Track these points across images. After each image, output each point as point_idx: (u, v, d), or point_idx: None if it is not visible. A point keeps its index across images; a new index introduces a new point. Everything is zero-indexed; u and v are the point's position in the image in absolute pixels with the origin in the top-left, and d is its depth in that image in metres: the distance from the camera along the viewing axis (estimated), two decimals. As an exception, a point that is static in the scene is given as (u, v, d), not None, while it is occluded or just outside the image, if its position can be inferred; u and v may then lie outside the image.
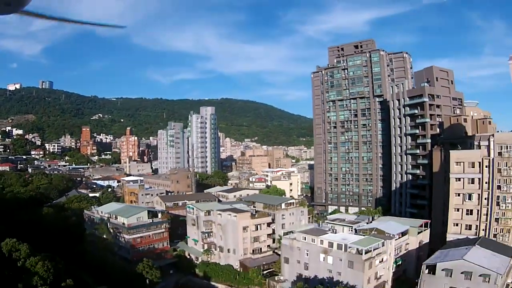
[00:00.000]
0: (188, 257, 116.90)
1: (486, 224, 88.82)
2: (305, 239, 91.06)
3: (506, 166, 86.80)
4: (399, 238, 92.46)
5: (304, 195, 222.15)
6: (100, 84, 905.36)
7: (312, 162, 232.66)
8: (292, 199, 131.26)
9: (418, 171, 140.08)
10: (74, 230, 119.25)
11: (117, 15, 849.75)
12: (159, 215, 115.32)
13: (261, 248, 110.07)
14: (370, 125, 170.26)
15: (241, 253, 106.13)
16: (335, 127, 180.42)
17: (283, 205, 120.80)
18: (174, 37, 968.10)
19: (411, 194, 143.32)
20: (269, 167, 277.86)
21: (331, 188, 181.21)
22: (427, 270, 73.64)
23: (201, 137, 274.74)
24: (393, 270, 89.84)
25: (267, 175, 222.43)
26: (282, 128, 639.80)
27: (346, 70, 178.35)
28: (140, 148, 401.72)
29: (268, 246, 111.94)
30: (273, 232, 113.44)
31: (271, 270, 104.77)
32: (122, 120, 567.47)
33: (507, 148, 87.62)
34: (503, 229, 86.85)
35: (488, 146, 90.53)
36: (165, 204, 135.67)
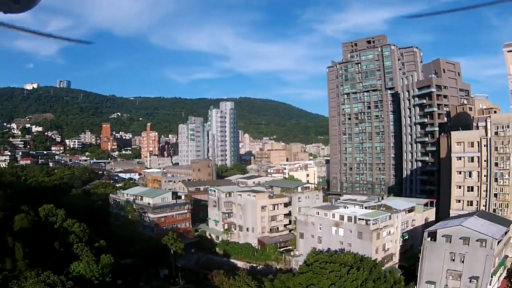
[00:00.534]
0: (209, 237, 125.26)
1: (486, 200, 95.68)
2: (318, 214, 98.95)
3: (502, 144, 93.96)
4: (405, 214, 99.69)
5: (321, 187, 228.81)
6: (118, 83, 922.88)
7: (329, 158, 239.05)
8: (308, 184, 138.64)
9: (427, 158, 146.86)
10: (99, 214, 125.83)
11: (135, 15, 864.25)
12: (182, 196, 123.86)
13: (278, 227, 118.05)
14: (382, 116, 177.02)
15: (259, 231, 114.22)
16: (349, 118, 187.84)
17: (299, 189, 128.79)
18: (191, 37, 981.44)
19: (420, 180, 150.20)
20: (287, 161, 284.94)
21: (346, 178, 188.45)
22: (429, 237, 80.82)
23: (221, 131, 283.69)
24: (400, 244, 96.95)
25: (284, 168, 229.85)
26: (300, 127, 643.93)
27: (359, 64, 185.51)
28: (160, 144, 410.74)
29: (285, 225, 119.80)
30: (290, 214, 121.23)
31: (287, 247, 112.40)
32: (140, 119, 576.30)
33: (503, 128, 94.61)
34: (501, 204, 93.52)
35: (486, 127, 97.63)
36: (188, 189, 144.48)
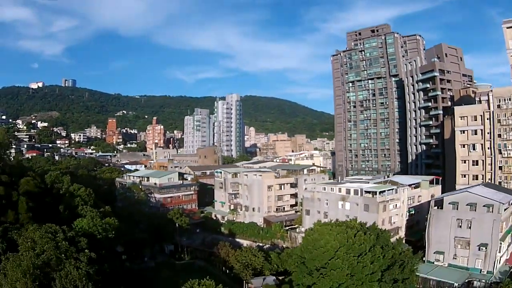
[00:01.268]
0: (215, 218, 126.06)
1: (491, 173, 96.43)
2: (324, 189, 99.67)
3: (505, 116, 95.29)
4: (411, 189, 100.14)
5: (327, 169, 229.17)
6: (123, 82, 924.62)
7: (334, 150, 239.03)
8: (314, 166, 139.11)
9: (431, 141, 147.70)
10: (105, 197, 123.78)
11: (140, 15, 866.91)
12: (189, 178, 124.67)
13: (284, 207, 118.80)
14: (387, 103, 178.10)
15: (265, 210, 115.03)
16: (354, 106, 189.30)
17: (305, 171, 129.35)
18: (197, 36, 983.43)
19: (425, 164, 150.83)
20: (292, 152, 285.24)
21: (352, 165, 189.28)
22: (436, 206, 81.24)
23: (227, 122, 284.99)
24: (407, 218, 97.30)
25: (290, 158, 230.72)
26: (306, 124, 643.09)
27: (363, 52, 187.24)
28: (165, 137, 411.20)
29: (291, 206, 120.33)
30: (296, 196, 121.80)
31: (293, 226, 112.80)
32: (146, 117, 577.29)
33: (505, 100, 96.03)
34: (507, 176, 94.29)
35: (488, 101, 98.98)
36: (194, 173, 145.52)
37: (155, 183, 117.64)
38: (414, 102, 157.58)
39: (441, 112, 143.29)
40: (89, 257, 45.65)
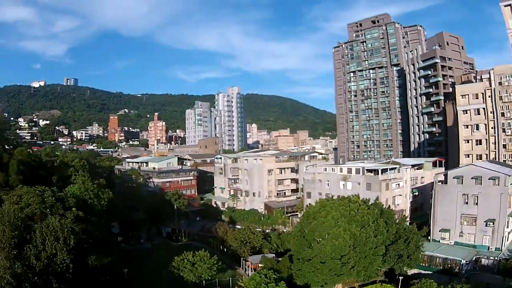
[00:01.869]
0: (215, 205, 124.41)
1: (495, 152, 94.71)
2: (326, 170, 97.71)
3: (507, 93, 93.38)
4: (414, 170, 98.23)
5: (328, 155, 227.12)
6: (125, 81, 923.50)
7: (337, 147, 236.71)
8: (315, 152, 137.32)
9: (434, 129, 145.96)
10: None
11: (143, 15, 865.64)
12: (188, 163, 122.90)
13: (285, 192, 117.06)
14: (388, 92, 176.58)
15: (265, 195, 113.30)
16: (355, 96, 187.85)
17: (306, 157, 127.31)
18: (199, 36, 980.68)
19: (428, 152, 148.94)
20: (295, 147, 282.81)
21: (354, 156, 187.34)
22: (440, 181, 79.19)
23: (228, 115, 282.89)
24: (410, 200, 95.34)
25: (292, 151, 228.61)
26: (308, 123, 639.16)
27: (364, 43, 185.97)
28: (167, 134, 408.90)
29: (292, 190, 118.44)
30: (297, 182, 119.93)
31: (294, 212, 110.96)
32: (148, 115, 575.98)
33: (506, 77, 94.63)
34: (511, 154, 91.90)
35: (489, 78, 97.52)
36: (194, 160, 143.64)
37: (154, 168, 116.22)
38: (416, 90, 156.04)
39: (442, 97, 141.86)
40: (76, 215, 43.72)
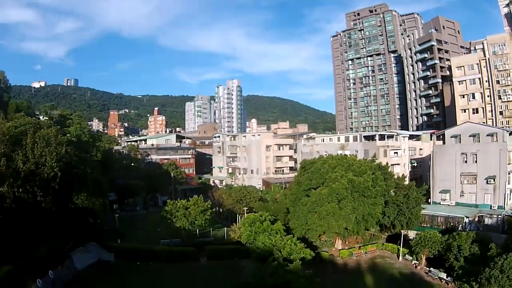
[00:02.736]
0: (213, 184, 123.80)
1: (492, 120, 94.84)
2: (323, 141, 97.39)
3: (501, 62, 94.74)
4: (412, 141, 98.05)
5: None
6: (126, 82, 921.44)
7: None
8: (313, 133, 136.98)
9: (432, 111, 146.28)
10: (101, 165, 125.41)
11: (145, 16, 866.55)
12: (187, 141, 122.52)
13: (283, 170, 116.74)
14: (386, 79, 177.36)
15: (264, 171, 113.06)
16: (354, 83, 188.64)
17: (304, 137, 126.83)
18: (201, 38, 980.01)
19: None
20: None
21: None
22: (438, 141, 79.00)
23: (228, 107, 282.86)
24: (409, 170, 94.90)
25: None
26: (308, 123, 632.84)
27: (362, 31, 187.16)
28: (168, 129, 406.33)
29: (290, 168, 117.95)
30: (295, 162, 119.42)
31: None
32: (148, 115, 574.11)
33: (500, 46, 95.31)
34: (508, 121, 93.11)
35: (483, 49, 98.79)
36: (193, 139, 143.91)
37: (152, 144, 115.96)
38: (413, 74, 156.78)
39: (440, 80, 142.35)
40: (70, 139, 43.49)
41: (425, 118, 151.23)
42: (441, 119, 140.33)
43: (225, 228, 66.07)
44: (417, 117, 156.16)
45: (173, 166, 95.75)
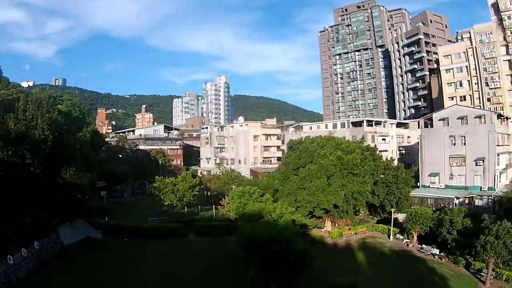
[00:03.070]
0: (200, 175, 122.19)
1: (480, 106, 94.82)
2: (311, 129, 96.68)
3: (488, 49, 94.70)
4: (400, 129, 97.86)
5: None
6: (114, 82, 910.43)
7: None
8: (300, 123, 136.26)
9: (419, 103, 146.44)
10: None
11: (134, 16, 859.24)
12: (175, 132, 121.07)
13: (271, 160, 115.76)
14: (374, 73, 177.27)
15: (251, 161, 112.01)
16: (341, 78, 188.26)
17: (291, 129, 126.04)
18: (189, 38, 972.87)
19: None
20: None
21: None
22: (426, 126, 78.62)
23: (215, 103, 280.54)
24: (398, 157, 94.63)
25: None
26: (296, 121, 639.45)
27: (350, 26, 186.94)
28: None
29: (278, 158, 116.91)
30: (283, 153, 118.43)
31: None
32: (135, 115, 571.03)
33: (486, 35, 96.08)
34: (496, 107, 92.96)
35: (470, 37, 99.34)
36: (181, 130, 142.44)
37: (140, 134, 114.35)
38: (401, 67, 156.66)
39: (427, 73, 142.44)
40: (59, 110, 42.95)
41: (412, 110, 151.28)
42: (428, 111, 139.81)
43: (213, 206, 65.14)
44: (404, 110, 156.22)
45: (161, 153, 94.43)
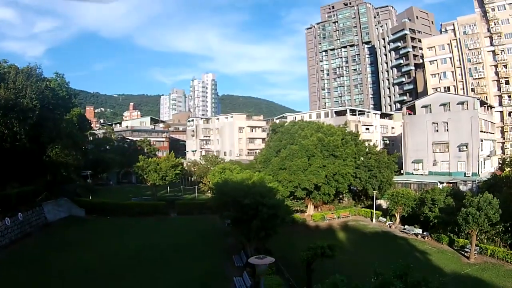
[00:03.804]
0: (186, 167, 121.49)
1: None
2: (295, 119, 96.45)
3: (472, 41, 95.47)
4: (385, 119, 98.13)
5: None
6: (102, 81, 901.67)
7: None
8: (284, 114, 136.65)
9: (405, 98, 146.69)
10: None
11: (122, 16, 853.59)
12: (161, 124, 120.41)
13: (256, 152, 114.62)
14: (360, 69, 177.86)
15: (236, 153, 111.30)
16: (328, 74, 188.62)
17: (277, 122, 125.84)
18: (177, 38, 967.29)
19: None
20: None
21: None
22: (408, 112, 78.87)
23: (202, 101, 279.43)
24: (382, 148, 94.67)
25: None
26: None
27: (336, 23, 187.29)
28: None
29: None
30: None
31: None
32: (123, 114, 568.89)
33: (470, 26, 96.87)
34: (480, 97, 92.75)
35: (454, 29, 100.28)
36: (167, 123, 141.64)
37: (127, 126, 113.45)
38: (387, 63, 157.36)
39: (413, 68, 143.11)
40: (47, 85, 44.07)
41: (398, 105, 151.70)
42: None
43: (195, 187, 65.07)
44: (390, 105, 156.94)
45: (146, 142, 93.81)
